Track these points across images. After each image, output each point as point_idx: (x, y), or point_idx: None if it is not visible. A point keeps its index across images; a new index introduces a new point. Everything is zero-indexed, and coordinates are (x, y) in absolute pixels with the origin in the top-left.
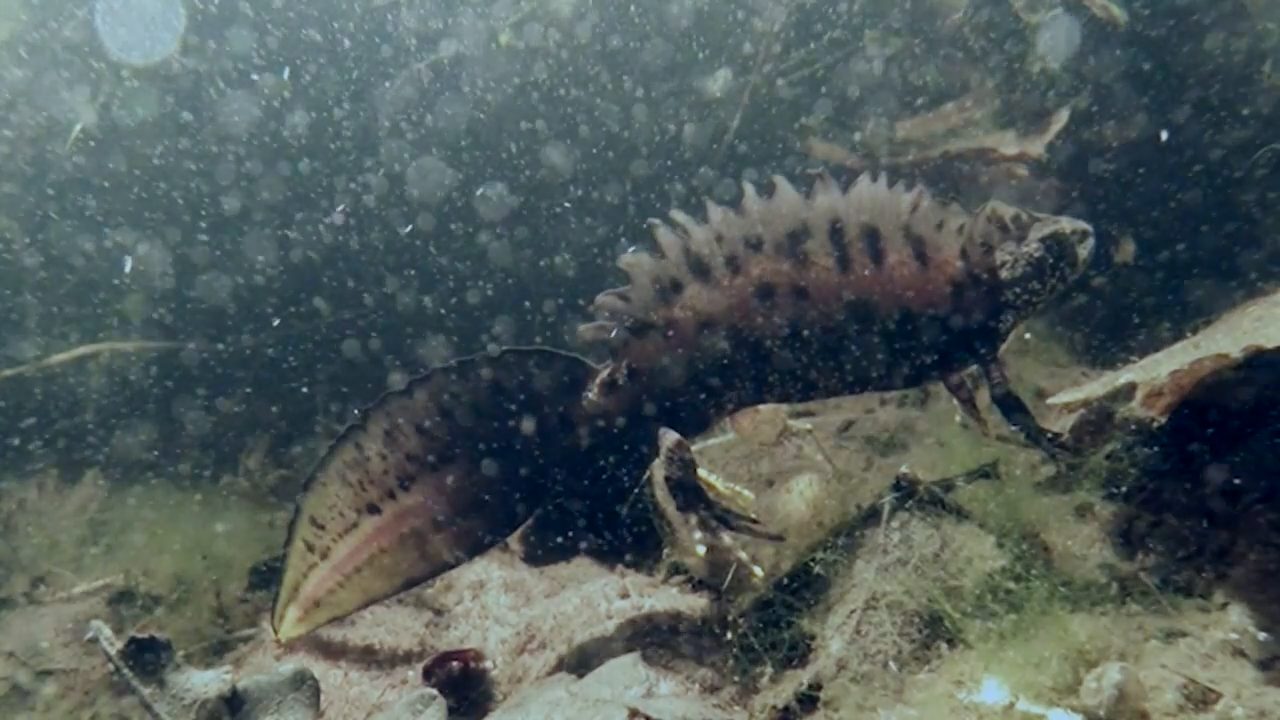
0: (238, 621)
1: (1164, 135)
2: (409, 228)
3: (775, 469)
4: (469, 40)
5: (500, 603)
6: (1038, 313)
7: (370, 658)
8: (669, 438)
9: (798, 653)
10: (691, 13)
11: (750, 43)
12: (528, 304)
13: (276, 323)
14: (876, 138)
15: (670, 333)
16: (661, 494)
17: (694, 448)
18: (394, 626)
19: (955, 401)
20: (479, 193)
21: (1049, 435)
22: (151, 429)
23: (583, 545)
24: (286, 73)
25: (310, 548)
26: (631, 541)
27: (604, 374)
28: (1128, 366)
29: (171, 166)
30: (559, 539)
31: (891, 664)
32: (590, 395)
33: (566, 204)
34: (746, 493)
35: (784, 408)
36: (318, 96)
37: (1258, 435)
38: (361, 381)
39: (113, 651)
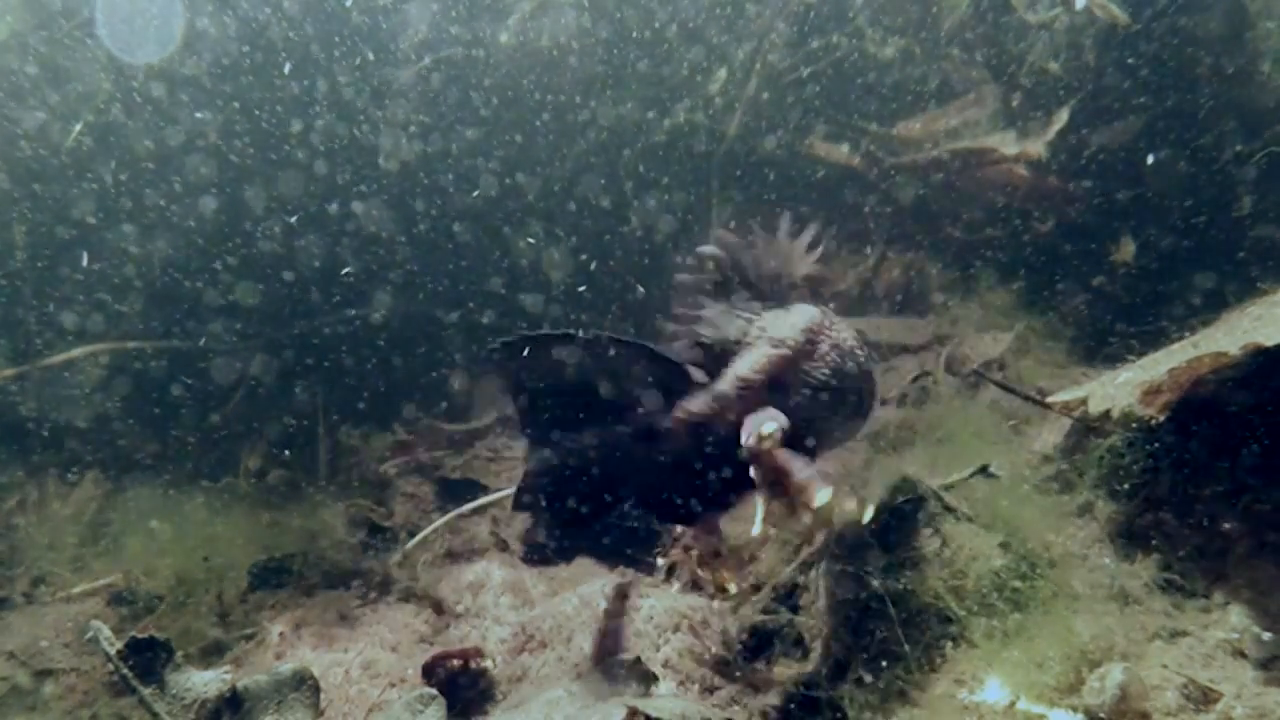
0: (238, 621)
1: (1150, 159)
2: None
3: None
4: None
5: (500, 603)
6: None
7: (370, 657)
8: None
9: (798, 652)
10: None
11: (749, 43)
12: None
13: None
14: (877, 138)
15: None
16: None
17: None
18: (394, 626)
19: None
20: None
21: None
22: (151, 429)
23: (583, 545)
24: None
25: None
26: (631, 541)
27: (713, 388)
28: (1127, 366)
29: (172, 163)
30: (559, 539)
31: (892, 664)
32: (690, 406)
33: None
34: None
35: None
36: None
37: (1257, 434)
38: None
39: (113, 651)
